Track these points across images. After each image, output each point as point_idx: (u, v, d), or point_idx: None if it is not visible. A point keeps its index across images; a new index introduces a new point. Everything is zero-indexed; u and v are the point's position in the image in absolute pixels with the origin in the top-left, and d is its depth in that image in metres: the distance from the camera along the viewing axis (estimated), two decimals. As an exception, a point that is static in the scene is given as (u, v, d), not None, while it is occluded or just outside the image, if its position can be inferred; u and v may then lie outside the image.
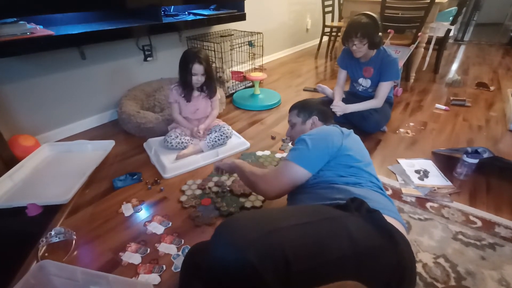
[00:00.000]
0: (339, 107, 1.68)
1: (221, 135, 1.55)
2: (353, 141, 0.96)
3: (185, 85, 1.48)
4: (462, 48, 4.08)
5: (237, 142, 1.63)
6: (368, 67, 1.71)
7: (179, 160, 1.45)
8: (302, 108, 1.14)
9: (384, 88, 1.69)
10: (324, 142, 0.90)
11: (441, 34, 2.76)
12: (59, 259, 0.96)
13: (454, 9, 2.77)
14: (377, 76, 1.71)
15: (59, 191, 1.21)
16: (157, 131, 1.70)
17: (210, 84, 1.52)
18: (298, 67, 3.21)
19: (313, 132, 0.96)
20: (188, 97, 1.51)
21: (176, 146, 1.51)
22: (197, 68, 1.42)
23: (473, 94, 2.43)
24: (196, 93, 1.53)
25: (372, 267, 0.64)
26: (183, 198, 1.25)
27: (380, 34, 1.58)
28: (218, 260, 0.58)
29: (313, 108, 1.12)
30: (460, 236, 1.06)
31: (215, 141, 1.54)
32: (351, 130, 0.99)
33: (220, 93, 2.09)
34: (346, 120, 1.76)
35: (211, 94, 1.56)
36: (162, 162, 1.43)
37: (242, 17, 2.40)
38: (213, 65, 2.34)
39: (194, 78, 1.44)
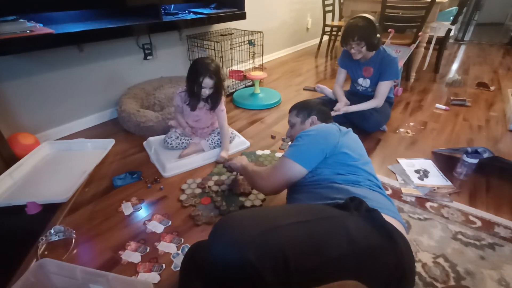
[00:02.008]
0: (340, 111, 1.69)
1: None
2: (351, 139, 0.97)
3: (192, 95, 1.43)
4: (462, 48, 4.07)
5: (237, 142, 1.63)
6: (368, 67, 1.71)
7: (180, 159, 1.45)
8: (301, 108, 1.14)
9: (384, 88, 1.69)
10: (320, 139, 0.91)
11: (441, 33, 2.76)
12: (59, 258, 0.96)
13: (454, 8, 2.77)
14: (376, 75, 1.71)
15: (59, 190, 1.21)
16: (157, 130, 1.69)
17: (217, 97, 1.46)
18: (298, 66, 3.21)
19: (310, 129, 0.97)
20: (193, 107, 1.47)
21: (176, 146, 1.51)
22: (207, 82, 1.36)
23: (474, 94, 2.43)
24: (201, 104, 1.49)
25: (372, 266, 0.64)
26: (183, 197, 1.25)
27: (378, 35, 1.57)
28: (217, 259, 0.58)
29: (313, 108, 1.12)
30: (459, 236, 1.06)
31: (218, 143, 1.54)
32: (350, 129, 1.00)
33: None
34: (346, 120, 1.75)
35: (214, 106, 1.48)
36: (162, 161, 1.43)
37: (242, 16, 2.39)
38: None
39: (202, 91, 1.39)
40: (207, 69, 1.34)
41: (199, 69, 1.35)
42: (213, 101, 1.47)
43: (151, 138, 1.62)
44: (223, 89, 1.47)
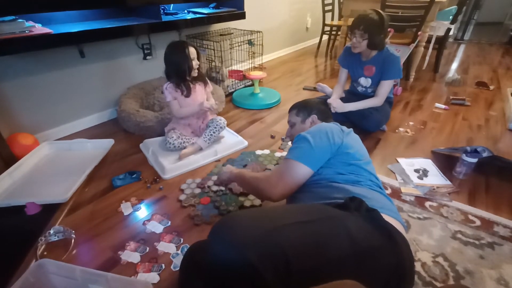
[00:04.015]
0: (336, 104, 1.65)
1: (215, 127, 1.53)
2: (352, 140, 0.97)
3: (182, 77, 1.43)
4: (462, 47, 4.07)
5: (235, 141, 1.63)
6: (370, 66, 1.71)
7: (180, 160, 1.44)
8: (301, 108, 1.14)
9: (385, 87, 1.68)
10: (326, 140, 0.90)
11: (441, 33, 2.76)
12: (58, 258, 0.96)
13: (454, 8, 2.77)
14: (378, 75, 1.70)
15: (58, 190, 1.21)
16: (157, 130, 1.69)
17: (201, 68, 1.51)
18: (298, 66, 3.21)
19: (313, 129, 0.95)
20: (188, 92, 1.47)
21: (179, 146, 1.49)
22: (193, 52, 1.40)
23: (473, 93, 2.43)
24: (191, 85, 1.49)
25: (371, 266, 0.64)
26: (182, 197, 1.25)
27: (382, 36, 1.57)
28: (217, 259, 0.58)
29: (313, 107, 1.12)
30: (459, 235, 1.06)
31: (211, 134, 1.53)
32: (351, 129, 1.00)
33: (219, 92, 2.09)
34: (346, 119, 1.75)
35: (203, 79, 1.54)
36: (161, 163, 1.41)
37: (241, 16, 2.39)
38: (213, 63, 2.34)
39: (194, 63, 1.41)
40: (184, 42, 1.41)
41: (180, 45, 1.39)
42: (200, 72, 1.50)
43: (147, 140, 1.61)
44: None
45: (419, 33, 2.30)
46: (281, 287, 0.57)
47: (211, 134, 1.53)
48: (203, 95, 1.56)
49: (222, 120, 1.56)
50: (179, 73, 1.42)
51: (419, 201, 1.24)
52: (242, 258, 0.56)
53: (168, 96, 1.46)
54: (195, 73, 1.46)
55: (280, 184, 0.90)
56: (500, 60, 3.42)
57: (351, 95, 1.85)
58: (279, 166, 0.95)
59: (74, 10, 1.67)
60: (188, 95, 1.47)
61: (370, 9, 1.60)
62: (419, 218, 1.14)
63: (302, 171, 0.89)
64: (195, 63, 1.42)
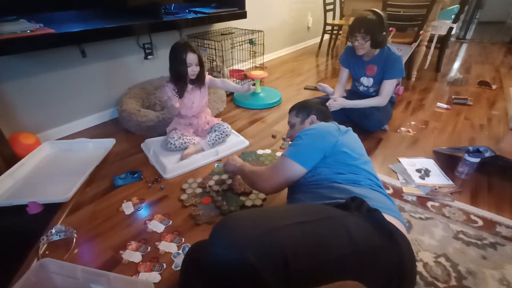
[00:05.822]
0: (336, 102, 1.64)
1: (221, 134, 1.55)
2: (350, 138, 0.97)
3: (179, 79, 1.43)
4: (464, 47, 4.06)
5: (236, 141, 1.63)
6: (371, 66, 1.70)
7: (182, 160, 1.44)
8: (301, 108, 1.15)
9: (388, 86, 1.67)
10: (319, 138, 0.91)
11: (443, 32, 2.75)
12: (60, 257, 0.96)
13: (456, 7, 2.76)
14: (380, 74, 1.69)
15: (60, 190, 1.21)
16: (158, 130, 1.69)
17: (202, 72, 1.47)
18: (299, 66, 3.20)
19: (309, 128, 0.97)
20: (181, 93, 1.46)
21: (180, 146, 1.49)
22: (192, 58, 1.37)
23: (475, 92, 2.41)
24: (189, 87, 1.49)
25: (372, 266, 0.63)
26: (184, 196, 1.25)
27: (384, 33, 1.56)
28: (217, 259, 0.58)
29: (312, 108, 1.13)
30: (461, 236, 1.06)
31: (216, 140, 1.54)
32: (349, 128, 1.00)
33: (220, 91, 2.09)
34: (347, 119, 1.75)
35: (202, 81, 1.51)
36: (162, 162, 1.41)
37: (242, 15, 2.39)
38: (214, 63, 2.34)
39: (189, 70, 1.39)
40: (187, 46, 1.38)
41: (179, 48, 1.37)
42: (200, 77, 1.48)
43: (148, 140, 1.61)
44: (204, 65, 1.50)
45: (421, 32, 2.30)
46: (281, 287, 0.57)
47: (216, 139, 1.54)
48: (202, 98, 1.55)
49: (228, 129, 1.59)
50: (174, 75, 1.43)
51: (421, 201, 1.24)
52: (241, 258, 0.55)
53: (164, 94, 1.47)
54: (192, 77, 1.44)
55: (273, 179, 0.95)
56: (502, 60, 3.40)
57: (352, 95, 1.85)
58: (274, 162, 0.99)
59: (75, 10, 1.67)
60: (180, 96, 1.46)
61: (365, 10, 1.59)
62: (421, 218, 1.14)
63: (294, 169, 0.92)
64: (191, 69, 1.39)
